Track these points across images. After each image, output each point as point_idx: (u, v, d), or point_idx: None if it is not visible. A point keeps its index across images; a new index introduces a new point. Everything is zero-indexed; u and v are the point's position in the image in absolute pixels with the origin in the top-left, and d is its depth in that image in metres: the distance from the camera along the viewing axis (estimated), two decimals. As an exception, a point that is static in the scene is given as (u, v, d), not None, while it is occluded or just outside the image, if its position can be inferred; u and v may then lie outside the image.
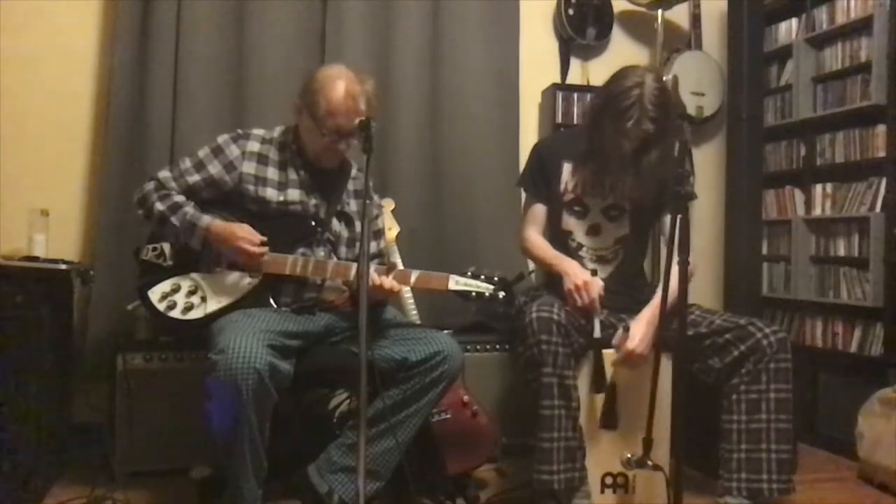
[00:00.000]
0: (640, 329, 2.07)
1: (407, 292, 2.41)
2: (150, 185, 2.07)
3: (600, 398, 2.10)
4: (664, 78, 3.05)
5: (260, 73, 2.80)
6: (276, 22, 2.82)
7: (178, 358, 2.41)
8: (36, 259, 2.31)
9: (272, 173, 2.07)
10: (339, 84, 2.00)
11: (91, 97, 2.79)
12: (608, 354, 2.12)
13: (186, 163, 2.08)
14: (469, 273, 1.96)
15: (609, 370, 2.10)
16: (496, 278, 1.95)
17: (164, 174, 2.07)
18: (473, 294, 1.94)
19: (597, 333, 2.10)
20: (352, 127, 1.97)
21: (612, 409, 2.09)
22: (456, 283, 1.95)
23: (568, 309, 2.09)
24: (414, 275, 1.98)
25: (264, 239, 1.97)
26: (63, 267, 2.29)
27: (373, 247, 2.23)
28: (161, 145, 2.68)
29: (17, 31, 2.68)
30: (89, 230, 2.76)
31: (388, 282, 1.93)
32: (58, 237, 2.59)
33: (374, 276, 1.92)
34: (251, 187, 2.04)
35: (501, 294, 1.94)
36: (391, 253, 2.46)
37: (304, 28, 2.88)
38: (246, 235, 1.95)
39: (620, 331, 2.11)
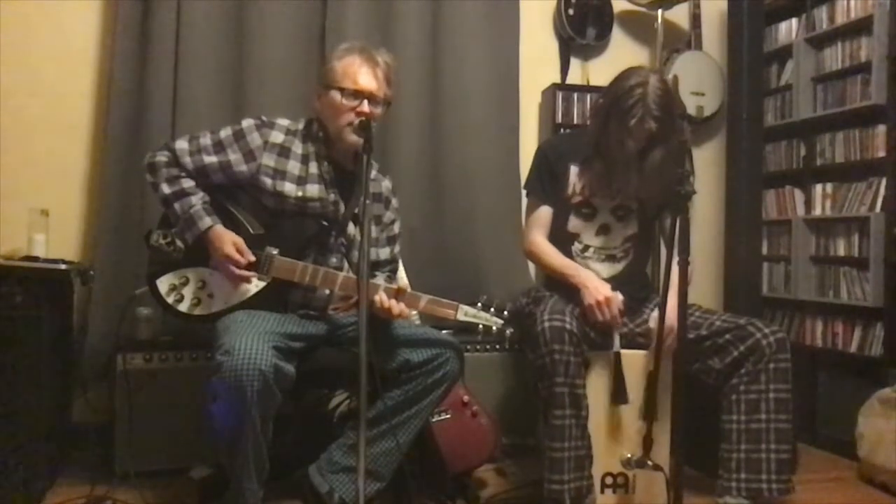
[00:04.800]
0: (671, 309, 2.00)
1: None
2: (164, 157, 1.99)
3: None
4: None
5: (260, 73, 2.80)
6: (277, 22, 2.82)
7: (178, 358, 2.41)
8: (36, 259, 2.30)
9: (293, 166, 2.02)
10: (354, 48, 2.02)
11: (91, 97, 2.79)
12: (633, 355, 2.13)
13: (206, 139, 2.00)
14: (479, 304, 1.93)
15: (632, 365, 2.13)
16: (506, 311, 1.93)
17: (182, 145, 2.00)
18: (481, 327, 1.92)
19: (616, 347, 2.12)
20: (372, 89, 1.97)
21: (620, 383, 2.10)
22: (465, 314, 1.92)
23: (578, 316, 2.09)
24: (423, 300, 1.94)
25: (252, 259, 1.92)
26: (63, 267, 2.28)
27: (386, 252, 2.19)
28: (160, 145, 2.67)
29: (17, 31, 2.68)
30: (89, 230, 2.76)
31: (397, 307, 1.90)
32: (58, 237, 2.59)
33: (384, 297, 1.89)
34: (269, 181, 1.99)
35: (509, 331, 1.91)
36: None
37: (304, 28, 2.88)
38: (233, 255, 1.90)
39: (655, 313, 2.12)
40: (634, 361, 2.14)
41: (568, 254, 2.28)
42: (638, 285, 2.33)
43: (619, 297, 2.12)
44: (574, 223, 2.29)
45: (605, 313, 2.10)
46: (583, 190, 2.27)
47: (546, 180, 2.30)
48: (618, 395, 2.10)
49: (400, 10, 2.95)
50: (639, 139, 2.10)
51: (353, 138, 1.96)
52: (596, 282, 2.15)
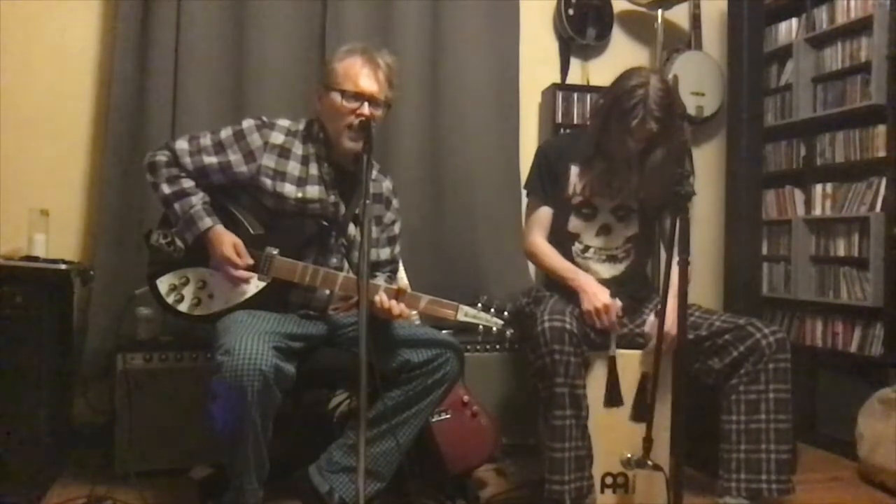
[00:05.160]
0: (670, 311, 2.01)
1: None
2: (164, 157, 1.98)
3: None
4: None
5: (260, 73, 2.80)
6: (276, 22, 2.82)
7: (178, 358, 2.41)
8: (36, 259, 2.30)
9: (293, 167, 2.01)
10: (355, 50, 2.01)
11: (91, 97, 2.79)
12: (631, 356, 2.14)
13: (207, 139, 2.00)
14: (479, 304, 1.93)
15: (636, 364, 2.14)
16: (506, 312, 1.93)
17: (182, 145, 1.99)
18: (481, 328, 1.92)
19: (612, 352, 2.12)
20: (373, 92, 1.97)
21: (615, 387, 2.11)
22: (465, 314, 1.92)
23: (577, 316, 2.09)
24: (423, 301, 1.94)
25: (251, 262, 1.92)
26: (63, 267, 2.29)
27: (386, 253, 2.19)
28: (160, 145, 2.67)
29: (17, 32, 2.68)
30: (89, 230, 2.76)
31: (397, 307, 1.89)
32: (58, 237, 2.59)
33: (384, 297, 1.89)
34: (269, 181, 1.99)
35: (509, 332, 1.92)
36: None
37: (304, 28, 2.88)
38: (231, 257, 1.89)
39: (652, 317, 2.12)
40: (633, 362, 2.14)
41: (568, 254, 2.28)
42: (638, 285, 2.33)
43: (617, 303, 2.12)
44: (574, 223, 2.29)
45: (604, 320, 2.10)
46: (583, 190, 2.26)
47: (546, 181, 2.30)
48: (612, 398, 2.11)
49: (400, 9, 2.95)
50: (640, 140, 2.10)
51: (352, 141, 1.96)
52: (594, 287, 2.15)
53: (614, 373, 2.12)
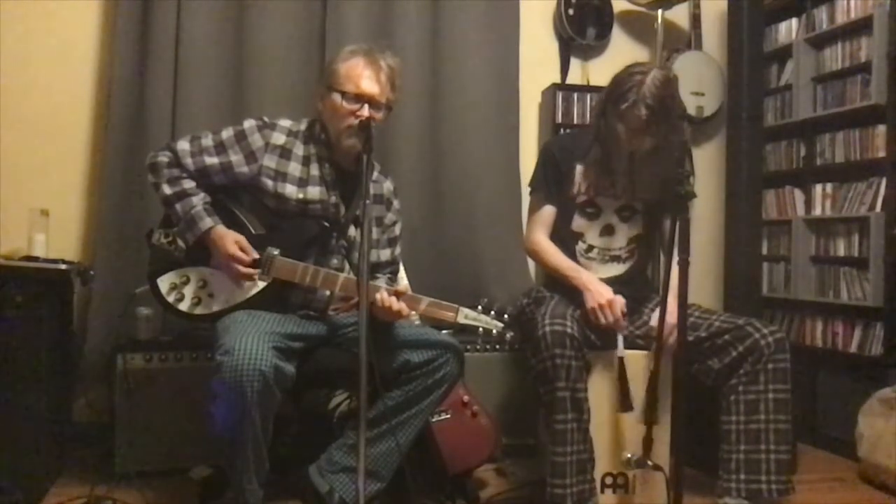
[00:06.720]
0: (672, 306, 1.98)
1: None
2: (165, 157, 1.98)
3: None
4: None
5: (260, 73, 2.80)
6: (276, 22, 2.83)
7: (178, 358, 2.41)
8: (36, 259, 2.30)
9: (294, 168, 2.01)
10: (358, 51, 2.01)
11: (91, 97, 2.79)
12: (633, 356, 2.13)
13: (208, 140, 2.00)
14: (479, 307, 1.93)
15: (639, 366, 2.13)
16: (506, 315, 1.93)
17: (183, 146, 1.99)
18: (481, 330, 1.92)
19: (620, 352, 2.11)
20: (374, 94, 1.96)
21: (625, 391, 2.10)
22: (465, 316, 1.91)
23: (578, 318, 2.09)
24: (423, 302, 1.94)
25: (256, 257, 1.91)
26: (63, 267, 2.28)
27: (387, 254, 2.18)
28: (161, 145, 2.67)
29: (17, 31, 2.68)
30: (89, 230, 2.77)
31: (397, 305, 1.89)
32: (58, 237, 2.59)
33: (385, 296, 1.88)
34: (270, 182, 1.99)
35: (509, 335, 1.91)
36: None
37: (304, 28, 2.88)
38: (236, 254, 1.89)
39: (656, 313, 2.12)
40: (635, 362, 2.14)
41: (571, 253, 2.28)
42: (639, 285, 2.33)
43: (621, 300, 2.12)
44: (578, 222, 2.28)
45: (608, 316, 2.09)
46: (588, 189, 2.26)
47: (552, 180, 2.29)
48: (623, 403, 2.09)
49: (400, 10, 2.95)
50: (630, 126, 2.07)
51: (352, 141, 1.96)
52: (597, 284, 2.15)
53: (624, 376, 2.09)
